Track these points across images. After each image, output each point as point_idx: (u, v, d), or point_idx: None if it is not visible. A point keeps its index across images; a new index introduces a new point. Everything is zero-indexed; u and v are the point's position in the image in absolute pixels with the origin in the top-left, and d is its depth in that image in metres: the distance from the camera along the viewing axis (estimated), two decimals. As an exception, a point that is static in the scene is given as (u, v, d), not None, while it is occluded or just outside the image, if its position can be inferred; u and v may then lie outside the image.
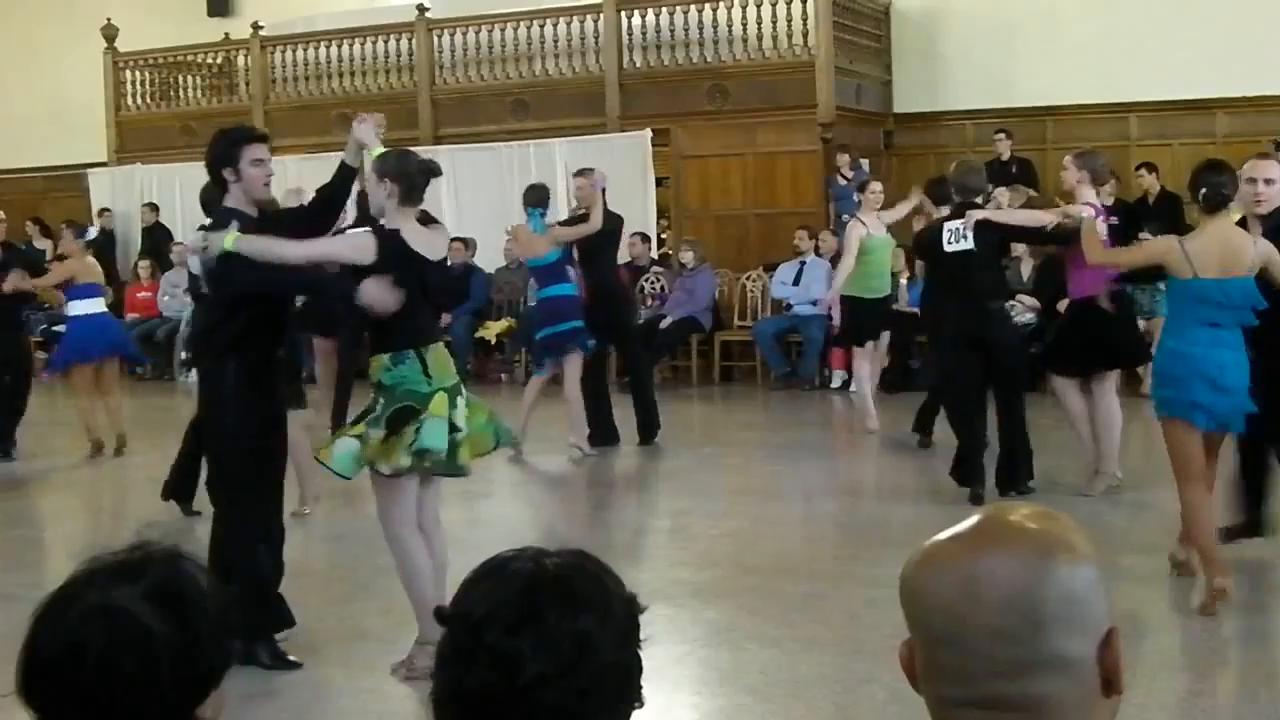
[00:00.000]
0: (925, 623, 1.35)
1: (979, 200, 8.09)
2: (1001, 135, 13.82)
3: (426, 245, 5.24)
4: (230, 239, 5.11)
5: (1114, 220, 12.99)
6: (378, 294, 5.04)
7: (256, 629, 5.29)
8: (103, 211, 17.22)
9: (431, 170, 5.37)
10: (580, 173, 10.04)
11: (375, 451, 5.07)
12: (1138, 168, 13.45)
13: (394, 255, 5.09)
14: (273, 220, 5.50)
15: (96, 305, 10.44)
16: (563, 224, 10.08)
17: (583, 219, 9.72)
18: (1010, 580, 1.31)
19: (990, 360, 7.76)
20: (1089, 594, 1.33)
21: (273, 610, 5.45)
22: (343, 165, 5.51)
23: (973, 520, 1.39)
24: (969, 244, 7.74)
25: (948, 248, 7.83)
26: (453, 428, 5.11)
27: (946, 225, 7.92)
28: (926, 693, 1.37)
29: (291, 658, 5.34)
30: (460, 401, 5.20)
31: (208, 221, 5.51)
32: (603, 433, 9.95)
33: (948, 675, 1.34)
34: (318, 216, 5.58)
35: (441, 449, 5.05)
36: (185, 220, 17.08)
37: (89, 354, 10.30)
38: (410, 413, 5.07)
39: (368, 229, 5.37)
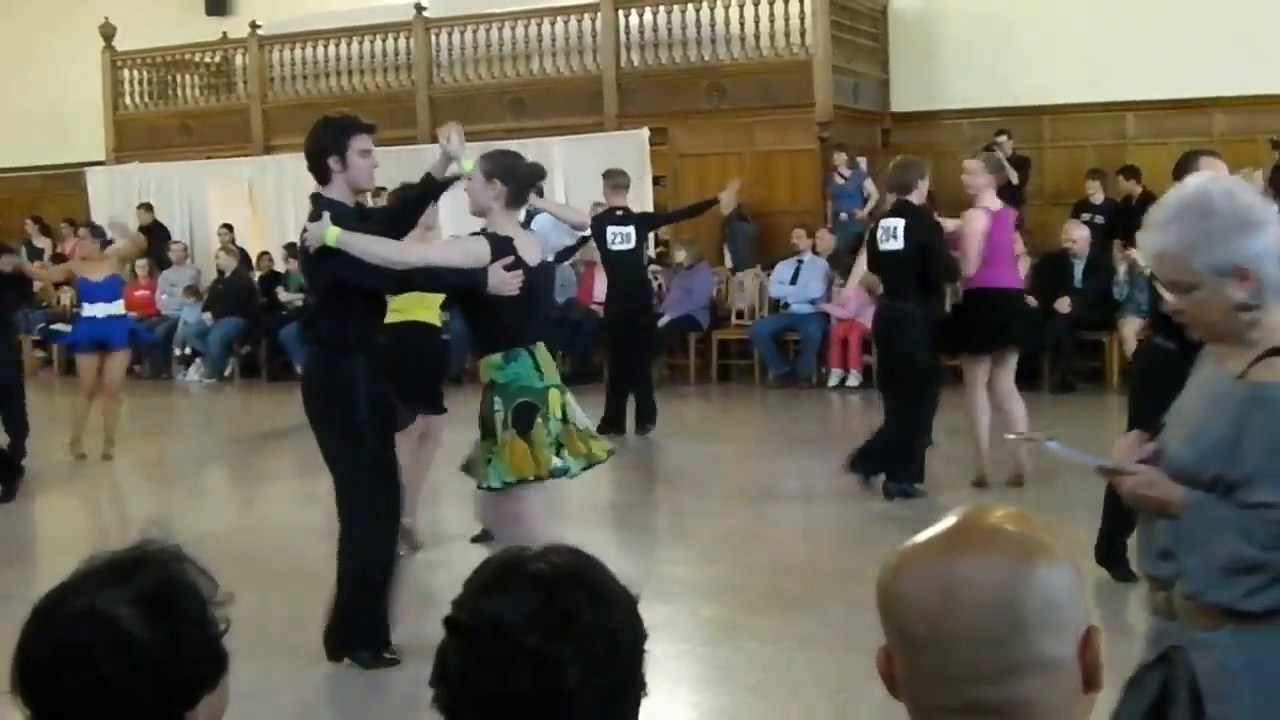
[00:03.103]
0: (905, 629, 1.34)
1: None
2: (1004, 136, 13.81)
3: (527, 250, 5.26)
4: (332, 234, 4.98)
5: (1099, 219, 13.12)
6: (503, 280, 5.04)
7: (360, 631, 5.26)
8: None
9: (538, 173, 5.43)
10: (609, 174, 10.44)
11: (522, 462, 5.09)
12: (1119, 172, 13.50)
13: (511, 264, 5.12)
14: (364, 216, 5.41)
15: (114, 308, 10.44)
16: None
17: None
18: (990, 584, 1.31)
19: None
20: (1069, 596, 1.33)
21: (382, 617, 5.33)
22: (428, 178, 5.48)
23: (948, 523, 1.38)
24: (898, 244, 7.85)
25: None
26: (565, 419, 5.20)
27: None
28: (908, 700, 1.36)
29: (389, 655, 5.28)
30: (569, 397, 5.30)
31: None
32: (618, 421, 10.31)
33: (929, 682, 1.33)
34: (396, 221, 5.49)
35: (575, 470, 5.22)
36: (183, 219, 17.14)
37: (87, 345, 10.29)
38: (532, 409, 5.11)
39: (479, 234, 5.28)
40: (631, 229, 10.35)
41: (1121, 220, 13.09)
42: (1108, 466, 2.69)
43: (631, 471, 9.85)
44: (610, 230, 10.27)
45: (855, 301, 12.61)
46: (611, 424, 10.10)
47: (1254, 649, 2.46)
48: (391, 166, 15.12)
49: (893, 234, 7.85)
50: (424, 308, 6.92)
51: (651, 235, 14.76)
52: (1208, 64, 13.45)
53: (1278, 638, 2.46)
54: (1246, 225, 2.50)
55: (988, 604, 1.30)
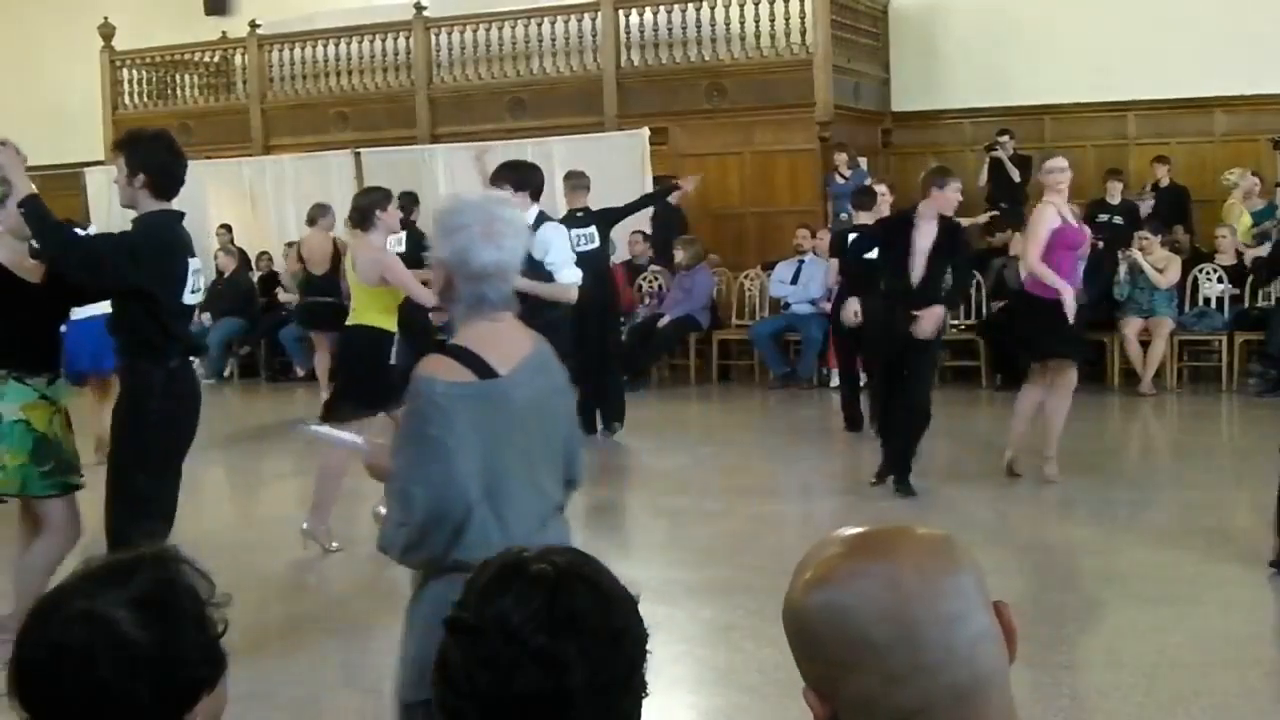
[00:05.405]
0: (865, 637, 1.33)
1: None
2: (1006, 137, 13.79)
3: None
4: None
5: (1117, 220, 13.09)
6: None
7: None
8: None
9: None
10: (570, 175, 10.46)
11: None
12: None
13: None
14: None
15: (102, 308, 10.39)
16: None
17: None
18: (940, 568, 1.35)
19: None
20: (980, 573, 1.39)
21: None
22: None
23: (849, 539, 1.41)
24: None
25: None
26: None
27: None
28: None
29: None
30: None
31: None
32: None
33: (903, 683, 1.32)
34: None
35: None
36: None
37: (102, 365, 10.30)
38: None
39: None
40: (593, 228, 10.39)
41: (1135, 216, 13.10)
42: (356, 445, 3.13)
43: (631, 472, 9.85)
44: (573, 232, 10.22)
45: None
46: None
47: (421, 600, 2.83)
48: (391, 166, 15.11)
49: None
50: (383, 311, 7.07)
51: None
52: (1209, 64, 13.45)
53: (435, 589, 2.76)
54: (459, 234, 2.81)
55: (945, 586, 1.34)
